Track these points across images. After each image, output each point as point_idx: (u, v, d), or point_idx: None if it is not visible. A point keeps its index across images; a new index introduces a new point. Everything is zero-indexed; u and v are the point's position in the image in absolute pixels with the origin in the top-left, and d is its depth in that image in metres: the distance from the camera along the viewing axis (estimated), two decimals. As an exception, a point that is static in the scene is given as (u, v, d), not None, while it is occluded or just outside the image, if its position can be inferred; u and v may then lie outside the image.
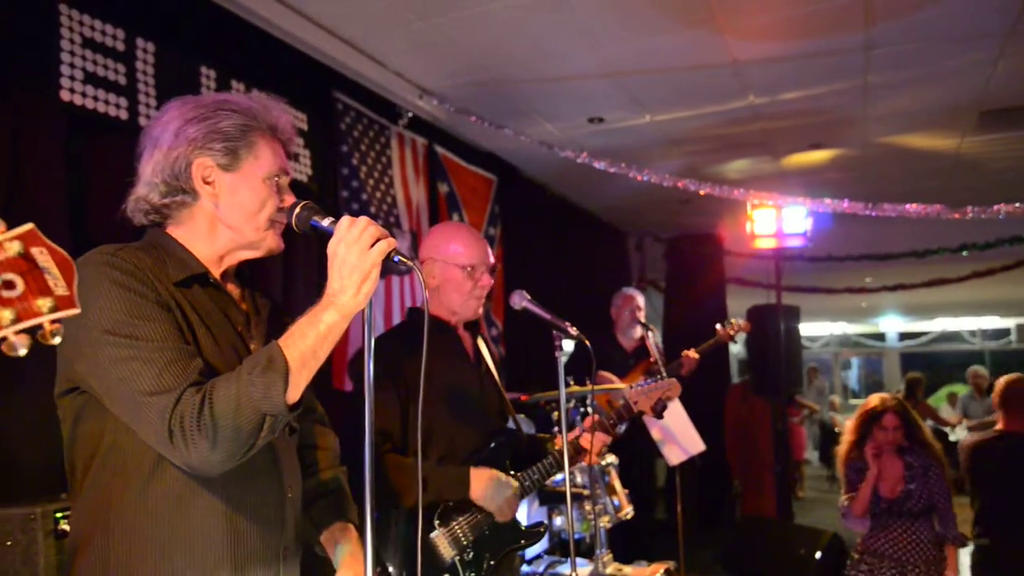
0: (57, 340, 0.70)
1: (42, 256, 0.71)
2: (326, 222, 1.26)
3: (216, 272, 1.38)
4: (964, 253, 7.01)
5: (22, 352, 0.67)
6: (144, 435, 1.18)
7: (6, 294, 0.67)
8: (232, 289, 1.44)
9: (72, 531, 1.31)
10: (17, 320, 0.67)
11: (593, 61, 3.76)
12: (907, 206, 4.26)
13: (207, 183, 1.34)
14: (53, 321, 0.70)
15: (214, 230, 1.36)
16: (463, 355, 2.25)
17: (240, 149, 1.34)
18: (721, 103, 4.39)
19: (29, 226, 0.72)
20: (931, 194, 6.22)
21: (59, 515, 1.89)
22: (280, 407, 1.15)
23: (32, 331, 0.68)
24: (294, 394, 1.17)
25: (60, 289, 0.71)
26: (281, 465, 1.37)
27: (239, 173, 1.34)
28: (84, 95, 2.40)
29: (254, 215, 1.35)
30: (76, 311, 0.72)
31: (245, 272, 1.50)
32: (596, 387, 2.62)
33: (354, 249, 1.18)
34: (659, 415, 2.35)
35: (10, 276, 0.68)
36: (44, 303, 0.69)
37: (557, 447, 2.29)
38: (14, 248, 0.69)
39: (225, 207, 1.35)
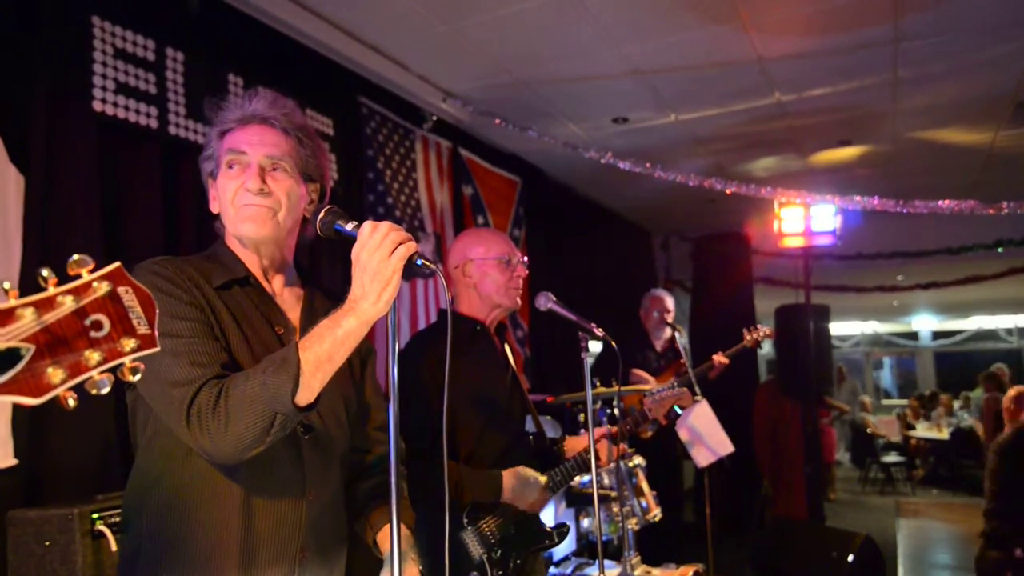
0: (137, 377, 0.71)
1: (127, 295, 0.73)
2: (350, 226, 1.27)
3: (259, 273, 1.44)
4: (999, 249, 6.85)
5: (105, 391, 0.69)
6: (169, 422, 1.25)
7: (94, 335, 0.68)
8: (285, 292, 1.48)
9: (123, 512, 1.42)
10: (103, 361, 0.68)
11: (617, 61, 3.75)
12: (940, 202, 4.18)
13: (213, 199, 1.45)
14: (134, 359, 0.71)
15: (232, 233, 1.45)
16: (494, 357, 2.27)
17: (215, 156, 1.43)
18: (747, 101, 4.34)
19: (116, 265, 0.73)
20: (965, 189, 6.13)
21: (96, 516, 1.93)
22: (288, 407, 1.18)
23: (113, 369, 0.70)
24: (305, 395, 1.19)
25: (143, 328, 0.73)
26: (304, 467, 1.38)
27: (218, 177, 1.42)
28: (116, 105, 2.45)
29: (225, 208, 1.41)
30: (156, 349, 0.74)
31: (305, 269, 1.56)
32: (623, 388, 2.62)
33: (375, 256, 1.19)
34: (671, 422, 2.42)
35: (99, 317, 0.69)
36: (128, 343, 0.71)
37: (567, 453, 2.31)
38: (103, 288, 0.70)
39: (221, 212, 1.44)
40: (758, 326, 4.31)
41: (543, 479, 2.16)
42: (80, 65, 2.35)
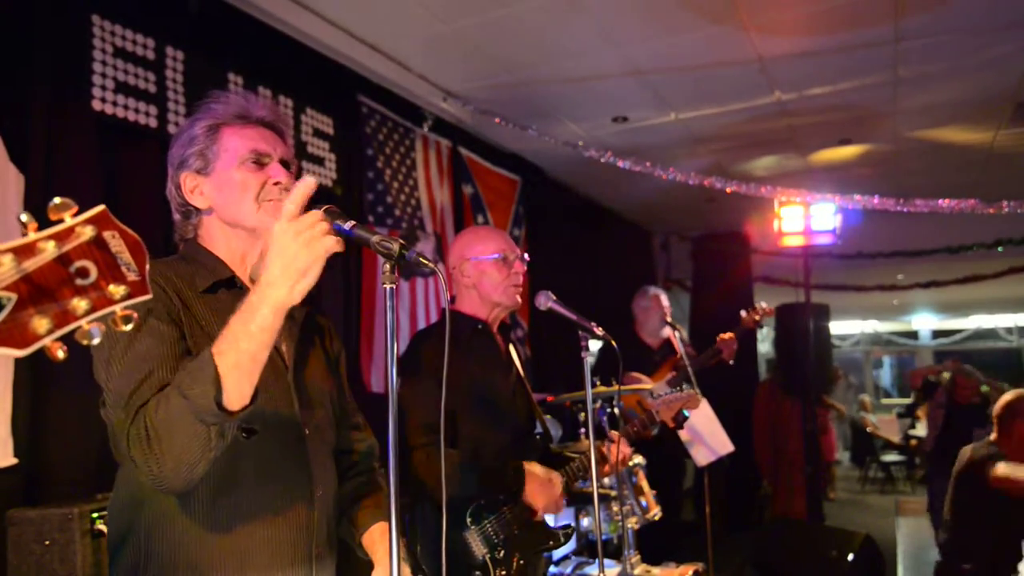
0: (130, 327, 0.68)
1: (114, 240, 0.69)
2: (347, 225, 1.26)
3: (243, 275, 1.41)
4: (999, 248, 6.86)
5: (96, 341, 0.65)
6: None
7: (80, 282, 0.65)
8: None
9: (110, 525, 1.36)
10: (92, 310, 0.65)
11: (617, 60, 3.75)
12: (940, 201, 4.18)
13: (198, 194, 1.40)
14: (125, 307, 0.68)
15: (225, 232, 1.41)
16: (497, 356, 2.27)
17: (208, 150, 1.38)
18: (747, 100, 4.34)
19: (101, 208, 0.70)
20: (965, 189, 6.11)
21: (95, 515, 1.93)
22: (216, 414, 1.10)
23: (103, 317, 0.66)
24: (232, 399, 1.11)
25: (132, 274, 0.69)
26: (312, 465, 1.38)
27: (216, 171, 1.39)
28: (115, 104, 2.45)
29: (240, 201, 1.37)
30: (148, 296, 0.70)
31: None
32: (622, 387, 2.61)
33: (299, 240, 1.10)
34: (679, 425, 2.40)
35: (84, 263, 0.65)
36: (117, 290, 0.67)
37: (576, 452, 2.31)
38: (87, 233, 0.67)
39: (218, 207, 1.40)
40: (757, 305, 4.21)
41: (561, 481, 2.14)
42: (80, 64, 2.35)
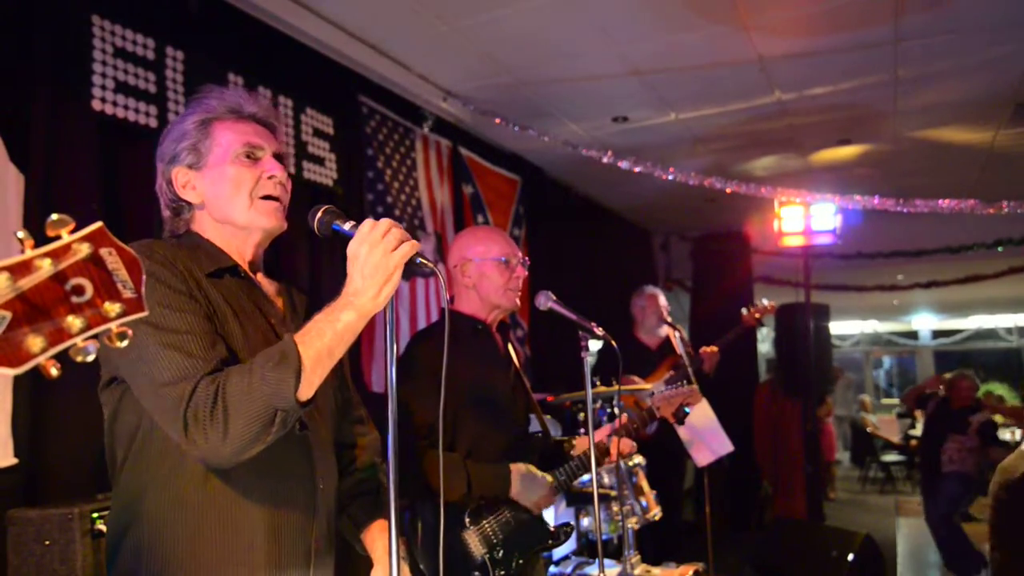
0: (124, 343, 0.68)
1: (111, 257, 0.69)
2: (347, 226, 1.27)
3: (243, 264, 1.41)
4: (999, 248, 6.87)
5: (91, 358, 0.65)
6: (162, 424, 1.20)
7: (76, 300, 0.65)
8: (267, 284, 1.46)
9: (111, 520, 1.35)
10: (87, 328, 0.65)
11: (617, 60, 3.75)
12: (940, 201, 4.18)
13: (190, 189, 1.39)
14: (120, 324, 0.68)
15: (217, 228, 1.40)
16: (496, 355, 2.27)
17: (201, 144, 1.37)
18: (747, 100, 4.34)
19: (98, 225, 0.70)
20: (965, 189, 6.13)
21: (96, 515, 1.93)
22: (290, 403, 1.15)
23: (98, 335, 0.66)
24: (306, 391, 1.17)
25: (128, 292, 0.69)
26: (314, 458, 1.38)
27: (208, 166, 1.37)
28: (115, 104, 2.44)
29: (233, 198, 1.36)
30: (144, 314, 0.70)
31: (273, 267, 1.53)
32: (622, 388, 2.61)
33: (377, 250, 1.18)
34: (680, 421, 2.40)
35: (80, 281, 0.65)
36: (113, 308, 0.67)
37: (574, 450, 2.30)
38: (83, 251, 0.67)
39: (210, 203, 1.39)
40: (758, 302, 4.19)
41: (550, 479, 2.15)
42: (80, 64, 2.35)
